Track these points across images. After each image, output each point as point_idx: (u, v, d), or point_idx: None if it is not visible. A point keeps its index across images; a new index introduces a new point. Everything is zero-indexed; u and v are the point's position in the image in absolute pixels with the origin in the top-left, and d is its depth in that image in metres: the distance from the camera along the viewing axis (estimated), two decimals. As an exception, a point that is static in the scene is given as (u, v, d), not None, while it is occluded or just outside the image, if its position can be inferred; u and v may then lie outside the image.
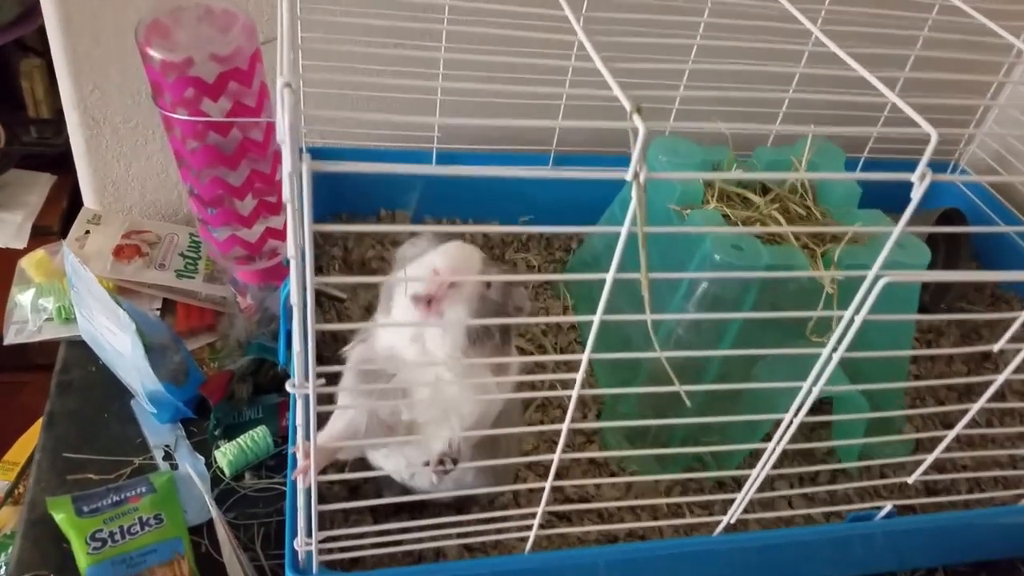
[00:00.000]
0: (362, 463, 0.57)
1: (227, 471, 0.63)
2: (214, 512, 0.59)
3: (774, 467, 0.49)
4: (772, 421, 0.47)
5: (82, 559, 0.55)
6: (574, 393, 0.41)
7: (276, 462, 0.65)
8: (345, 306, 0.76)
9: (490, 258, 0.85)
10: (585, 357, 0.40)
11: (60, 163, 1.05)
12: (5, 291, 0.77)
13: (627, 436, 0.70)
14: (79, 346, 0.72)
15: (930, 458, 0.53)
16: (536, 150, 0.86)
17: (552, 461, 0.45)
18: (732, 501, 0.53)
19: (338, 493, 0.61)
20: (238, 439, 0.64)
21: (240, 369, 0.70)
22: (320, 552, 0.47)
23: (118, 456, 0.64)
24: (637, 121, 0.31)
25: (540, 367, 0.65)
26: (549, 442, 0.68)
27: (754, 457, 0.50)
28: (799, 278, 0.63)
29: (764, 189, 0.72)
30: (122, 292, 0.76)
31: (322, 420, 0.52)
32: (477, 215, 0.89)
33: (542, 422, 0.69)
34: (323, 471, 0.51)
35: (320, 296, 0.76)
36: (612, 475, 0.67)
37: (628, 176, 0.32)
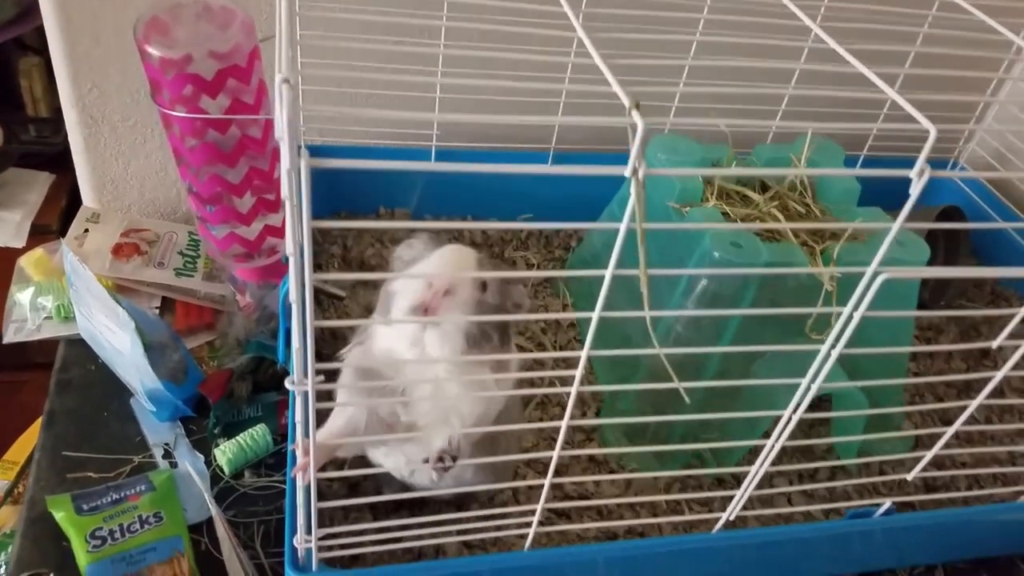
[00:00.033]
0: (362, 461, 0.57)
1: (226, 469, 0.63)
2: (214, 510, 0.59)
3: (773, 464, 0.49)
4: (771, 418, 0.47)
5: (82, 557, 0.55)
6: (573, 390, 0.41)
7: (275, 460, 0.65)
8: (344, 304, 0.76)
9: (489, 256, 0.86)
10: (584, 354, 0.40)
11: (59, 162, 1.05)
12: (4, 290, 0.77)
13: (626, 434, 0.70)
14: (78, 344, 0.72)
15: (929, 454, 0.53)
16: (535, 148, 0.86)
17: (551, 458, 0.45)
18: (731, 498, 0.53)
19: (338, 491, 0.61)
20: (237, 437, 0.64)
21: (239, 367, 0.70)
22: (320, 549, 0.47)
23: (117, 454, 0.64)
24: (636, 117, 0.31)
25: (539, 364, 0.65)
26: (548, 440, 0.68)
27: (753, 454, 0.50)
28: (798, 276, 0.63)
29: (763, 187, 0.72)
30: (121, 290, 0.76)
31: (321, 417, 0.52)
32: (477, 214, 0.89)
33: (541, 420, 0.69)
34: (322, 468, 0.51)
35: (319, 294, 0.76)
36: (611, 473, 0.67)
37: (627, 172, 0.32)
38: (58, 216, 1.04)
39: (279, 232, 0.69)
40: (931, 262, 0.68)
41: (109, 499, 0.58)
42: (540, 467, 0.65)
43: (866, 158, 0.94)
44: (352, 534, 0.48)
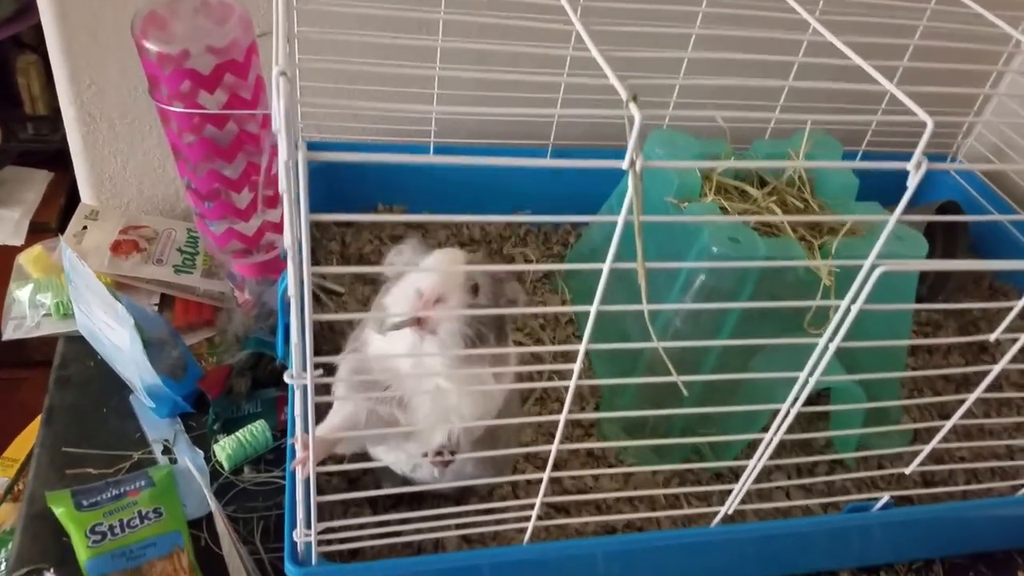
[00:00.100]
0: (361, 456, 0.57)
1: (226, 465, 0.63)
2: (213, 506, 0.59)
3: (771, 458, 0.49)
4: (770, 413, 0.47)
5: (82, 552, 0.55)
6: (572, 384, 0.41)
7: (275, 456, 0.65)
8: (343, 300, 0.76)
9: (487, 253, 0.86)
10: (582, 348, 0.40)
11: (57, 160, 1.05)
12: (3, 287, 0.77)
13: (625, 429, 0.70)
14: (77, 341, 0.72)
15: (927, 448, 0.53)
16: (534, 144, 0.86)
17: (550, 453, 0.45)
18: (730, 492, 0.53)
19: (337, 486, 0.61)
20: (237, 433, 0.64)
21: (238, 363, 0.70)
22: (319, 543, 0.47)
23: (117, 451, 0.64)
24: (633, 109, 0.31)
25: (537, 359, 0.65)
26: (547, 435, 0.68)
27: (752, 449, 0.50)
28: (796, 271, 0.63)
29: (761, 182, 0.72)
30: (120, 287, 0.76)
31: (321, 412, 0.52)
32: (475, 211, 0.88)
33: (540, 415, 0.69)
34: (321, 464, 0.51)
35: (318, 290, 0.76)
36: (610, 467, 0.67)
37: (624, 164, 0.32)
38: (57, 214, 1.04)
39: (277, 228, 0.69)
40: (929, 257, 0.68)
41: (109, 495, 0.58)
42: (539, 462, 0.65)
43: (865, 153, 0.94)
44: (351, 528, 0.48)
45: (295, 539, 0.47)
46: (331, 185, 0.81)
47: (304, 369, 0.37)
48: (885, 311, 0.59)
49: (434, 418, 0.50)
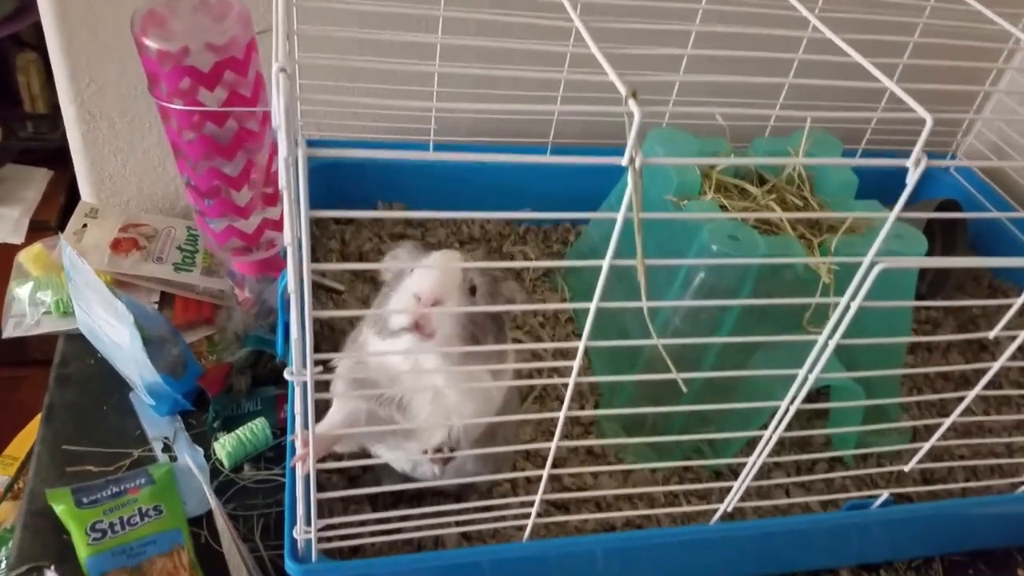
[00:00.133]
0: (361, 455, 0.57)
1: (226, 463, 0.63)
2: (213, 503, 0.59)
3: (771, 456, 0.49)
4: (769, 411, 0.47)
5: (82, 550, 0.55)
6: (571, 380, 0.41)
7: (275, 454, 0.65)
8: (343, 298, 0.76)
9: (487, 251, 0.86)
10: (581, 345, 0.40)
11: (57, 158, 1.05)
12: (3, 285, 0.77)
13: (624, 427, 0.70)
14: (77, 339, 0.72)
15: (926, 446, 0.53)
16: (533, 142, 0.86)
17: (549, 450, 0.46)
18: (729, 490, 0.53)
19: (337, 483, 0.61)
20: (237, 431, 0.65)
21: (238, 361, 0.70)
22: (319, 540, 0.47)
23: (117, 448, 0.64)
24: (632, 106, 0.31)
25: (537, 358, 0.65)
26: (547, 433, 0.68)
27: (751, 447, 0.50)
28: (796, 270, 0.63)
29: (761, 180, 0.72)
30: (120, 285, 0.76)
31: (320, 409, 0.52)
32: (474, 209, 0.89)
33: (539, 413, 0.69)
34: (321, 461, 0.51)
35: (318, 288, 0.76)
36: (609, 465, 0.67)
37: (624, 161, 0.32)
38: (57, 212, 1.04)
39: (277, 225, 0.69)
40: (929, 255, 0.68)
41: (109, 492, 0.58)
42: (539, 460, 0.65)
43: (864, 151, 0.94)
44: (352, 525, 0.48)
45: (295, 536, 0.47)
46: (331, 184, 0.81)
47: (304, 366, 0.37)
48: (884, 309, 0.60)
49: (434, 418, 0.50)
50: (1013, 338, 0.47)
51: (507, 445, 0.56)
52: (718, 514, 0.55)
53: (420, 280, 0.47)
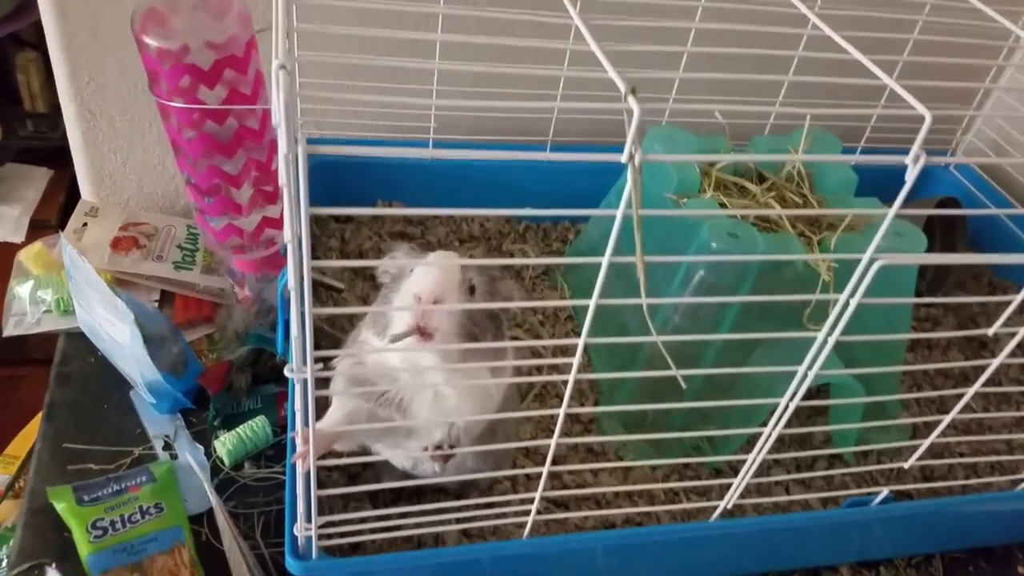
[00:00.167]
0: (361, 454, 0.57)
1: (227, 461, 0.64)
2: (214, 501, 0.59)
3: (770, 453, 0.49)
4: (768, 409, 0.47)
5: (83, 547, 0.55)
6: (571, 377, 0.41)
7: (275, 452, 0.65)
8: (343, 296, 0.76)
9: (486, 250, 0.86)
10: (581, 342, 0.40)
11: (57, 157, 1.05)
12: (3, 285, 0.77)
13: (624, 424, 0.70)
14: (78, 338, 0.72)
15: (926, 443, 0.53)
16: (533, 140, 0.86)
17: (549, 448, 0.46)
18: (729, 487, 0.53)
19: (337, 480, 0.61)
20: (237, 429, 0.65)
21: (238, 359, 0.70)
22: (320, 537, 0.47)
23: (118, 446, 0.64)
24: (632, 102, 0.31)
25: (537, 356, 0.65)
26: (547, 431, 0.68)
27: (750, 445, 0.50)
28: (796, 267, 0.63)
29: (760, 178, 0.72)
30: (120, 284, 0.76)
31: (321, 407, 0.52)
32: (474, 208, 0.89)
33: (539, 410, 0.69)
34: (322, 458, 0.52)
35: (318, 286, 0.76)
36: (609, 463, 0.67)
37: (623, 158, 0.32)
38: (57, 211, 1.04)
39: (277, 224, 0.69)
40: (928, 253, 0.68)
41: (110, 490, 0.58)
42: (539, 458, 0.66)
43: (864, 149, 0.94)
44: (352, 522, 0.48)
45: (296, 533, 0.47)
46: (330, 183, 0.81)
47: (304, 363, 0.37)
48: (884, 307, 0.60)
49: (434, 417, 0.50)
50: (1012, 336, 0.47)
51: (507, 443, 0.56)
52: (718, 511, 0.55)
53: (420, 280, 0.47)
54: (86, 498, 0.58)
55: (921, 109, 0.34)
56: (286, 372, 0.38)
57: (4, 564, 0.64)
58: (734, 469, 0.64)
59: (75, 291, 0.68)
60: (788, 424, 0.47)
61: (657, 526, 0.62)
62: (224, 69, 0.58)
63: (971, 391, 0.49)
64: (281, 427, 0.66)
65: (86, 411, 0.67)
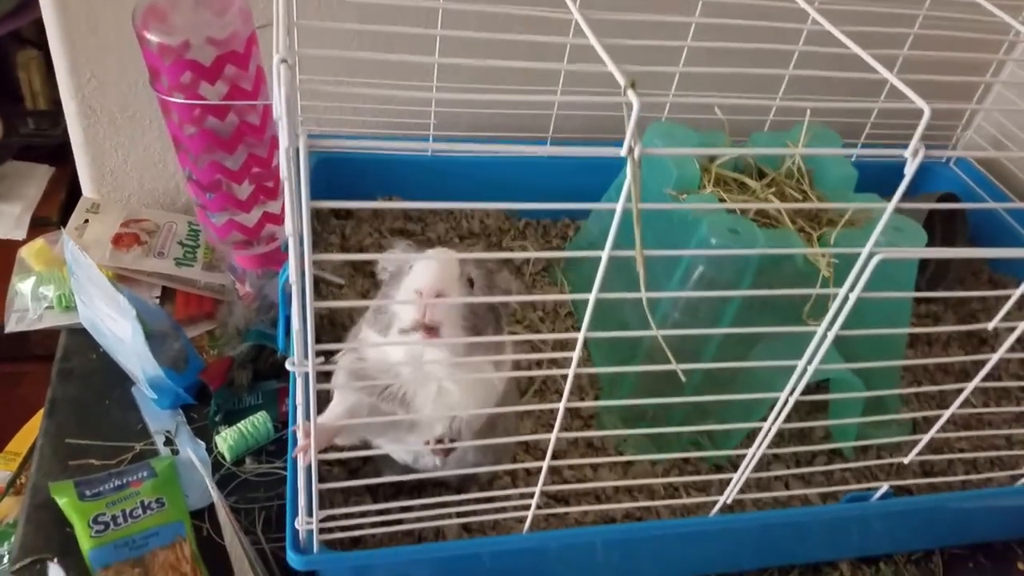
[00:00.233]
0: (362, 446, 0.57)
1: (228, 456, 0.64)
2: (215, 496, 0.59)
3: (770, 448, 0.49)
4: (768, 404, 0.48)
5: (85, 542, 0.55)
6: (570, 372, 0.42)
7: (276, 447, 0.65)
8: (344, 292, 0.76)
9: (486, 246, 0.86)
10: (581, 336, 0.40)
11: (58, 154, 1.05)
12: (5, 282, 0.77)
13: (624, 420, 0.70)
14: (80, 334, 0.72)
15: (926, 437, 0.53)
16: (532, 137, 0.86)
17: (549, 443, 0.46)
18: (729, 482, 0.53)
19: (338, 475, 0.61)
20: (238, 424, 0.65)
21: (240, 356, 0.70)
22: (321, 532, 0.47)
23: (119, 442, 0.64)
24: (631, 96, 0.32)
25: (537, 351, 0.65)
26: (547, 427, 0.68)
27: (750, 440, 0.50)
28: (796, 263, 0.63)
29: (760, 174, 0.72)
30: (121, 280, 0.76)
31: (322, 401, 0.52)
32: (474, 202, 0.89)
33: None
34: (323, 452, 0.52)
35: (319, 282, 0.76)
36: (609, 458, 0.67)
37: (623, 152, 0.32)
38: (58, 208, 1.04)
39: (278, 219, 0.69)
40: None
41: (111, 485, 0.59)
42: (539, 453, 0.66)
43: (863, 147, 0.94)
44: (353, 516, 0.48)
45: (297, 527, 0.48)
46: (331, 181, 0.81)
47: (305, 357, 0.38)
48: (884, 302, 0.60)
49: (437, 411, 0.50)
50: (1012, 331, 0.47)
51: (507, 435, 0.56)
52: (717, 506, 0.55)
53: (420, 276, 0.48)
54: (88, 493, 0.58)
55: (920, 102, 0.34)
56: (287, 366, 0.38)
57: (6, 560, 0.64)
58: (734, 464, 0.64)
59: (77, 287, 0.68)
60: (788, 419, 0.47)
61: (657, 521, 0.62)
62: (225, 65, 0.58)
63: (971, 386, 0.49)
64: (282, 423, 0.67)
65: (88, 407, 0.67)
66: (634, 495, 0.64)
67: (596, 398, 0.73)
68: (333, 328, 0.71)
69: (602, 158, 0.38)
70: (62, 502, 0.58)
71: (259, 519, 0.60)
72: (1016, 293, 0.45)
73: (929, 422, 0.54)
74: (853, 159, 0.73)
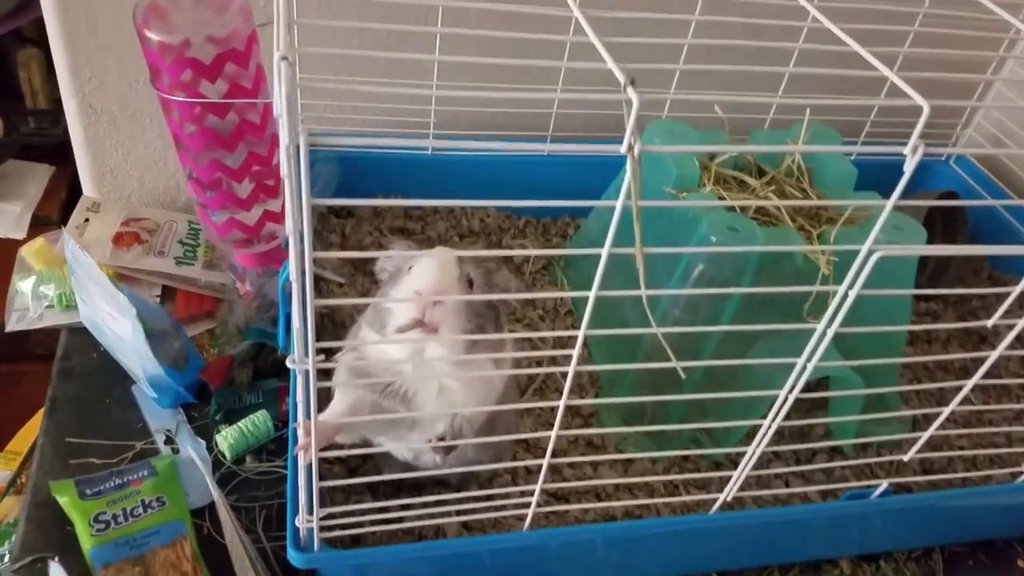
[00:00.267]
0: (362, 444, 0.58)
1: (228, 455, 0.64)
2: (216, 495, 0.59)
3: (770, 445, 0.49)
4: (768, 402, 0.48)
5: (86, 541, 0.55)
6: (571, 369, 0.42)
7: (277, 446, 0.65)
8: (344, 291, 0.76)
9: (486, 245, 0.86)
10: (581, 334, 0.40)
11: (58, 154, 1.06)
12: (5, 281, 0.77)
13: (624, 418, 0.70)
14: (80, 333, 0.72)
15: (926, 435, 0.53)
16: (532, 135, 0.86)
17: (549, 440, 0.46)
18: (728, 480, 0.53)
19: (338, 474, 0.61)
20: (239, 423, 0.65)
21: (240, 354, 0.70)
22: (321, 530, 0.48)
23: (120, 441, 0.64)
24: (631, 93, 0.32)
25: (537, 349, 0.65)
26: (547, 425, 0.68)
27: (750, 438, 0.50)
28: (795, 261, 0.63)
29: (760, 172, 0.72)
30: (121, 279, 0.76)
31: (322, 400, 0.52)
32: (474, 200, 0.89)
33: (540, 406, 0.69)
34: (323, 450, 0.52)
35: (319, 281, 0.76)
36: (609, 456, 0.67)
37: (622, 149, 0.32)
38: (58, 207, 1.04)
39: (278, 218, 0.70)
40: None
41: (112, 484, 0.59)
42: (539, 451, 0.66)
43: (864, 144, 0.94)
44: (353, 514, 0.48)
45: (297, 525, 0.48)
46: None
47: (306, 354, 0.38)
48: (884, 299, 0.60)
49: (439, 409, 0.50)
50: (1011, 328, 0.47)
51: (506, 433, 0.56)
52: (717, 504, 0.56)
53: (420, 276, 0.48)
54: (88, 492, 0.58)
55: (919, 99, 0.34)
56: (288, 364, 0.38)
57: (7, 559, 0.64)
58: (733, 462, 0.64)
59: (77, 286, 0.68)
60: (787, 417, 0.47)
61: (657, 519, 0.62)
62: (225, 63, 0.58)
63: (970, 383, 0.49)
64: (282, 421, 0.67)
65: (88, 406, 0.67)
66: (634, 493, 0.65)
67: (596, 396, 0.73)
68: (333, 326, 0.71)
69: (602, 156, 0.38)
70: (63, 501, 0.58)
71: (260, 517, 0.60)
72: (1016, 290, 0.45)
73: (929, 420, 0.54)
74: (853, 157, 0.73)
